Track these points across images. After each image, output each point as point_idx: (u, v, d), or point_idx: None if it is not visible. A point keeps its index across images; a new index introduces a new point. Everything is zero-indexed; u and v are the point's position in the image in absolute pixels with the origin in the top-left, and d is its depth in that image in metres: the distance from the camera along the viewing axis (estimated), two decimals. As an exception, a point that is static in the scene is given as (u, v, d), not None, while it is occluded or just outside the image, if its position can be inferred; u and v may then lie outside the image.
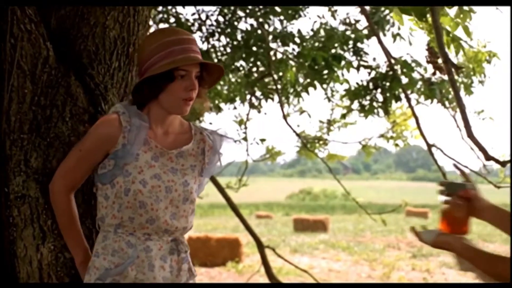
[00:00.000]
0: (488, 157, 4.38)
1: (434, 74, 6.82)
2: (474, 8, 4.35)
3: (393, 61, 6.93)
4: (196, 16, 7.66)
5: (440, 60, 4.14)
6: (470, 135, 4.25)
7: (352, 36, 7.64)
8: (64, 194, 2.52)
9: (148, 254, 2.44)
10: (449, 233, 2.29)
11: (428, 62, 6.54)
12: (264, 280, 9.36)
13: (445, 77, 6.40)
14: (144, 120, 2.47)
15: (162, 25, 7.87)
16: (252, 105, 8.96)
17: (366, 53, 7.59)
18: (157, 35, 2.52)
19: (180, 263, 2.52)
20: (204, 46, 7.56)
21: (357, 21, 7.95)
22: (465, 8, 4.28)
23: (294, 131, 8.68)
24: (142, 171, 2.44)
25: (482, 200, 2.32)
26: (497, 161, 4.48)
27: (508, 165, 4.78)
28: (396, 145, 9.70)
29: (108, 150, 2.45)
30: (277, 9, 7.43)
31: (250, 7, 7.43)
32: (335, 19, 8.03)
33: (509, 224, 2.26)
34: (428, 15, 4.09)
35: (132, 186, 2.42)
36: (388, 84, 7.14)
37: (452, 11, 4.36)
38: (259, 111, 9.10)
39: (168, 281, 2.47)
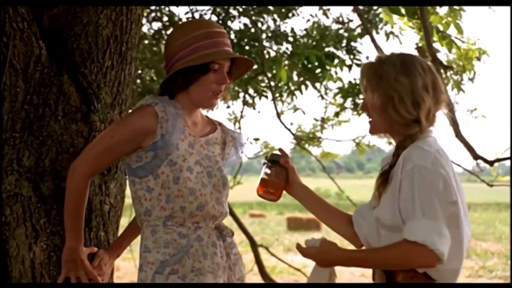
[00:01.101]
0: (476, 156, 4.40)
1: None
2: (465, 7, 4.37)
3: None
4: (189, 15, 7.65)
5: (429, 59, 4.15)
6: (458, 134, 4.27)
7: (345, 34, 7.65)
8: (85, 178, 2.49)
9: (201, 243, 2.45)
10: (262, 194, 2.52)
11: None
12: (258, 279, 9.37)
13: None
14: (178, 108, 2.48)
15: (155, 24, 7.86)
16: (246, 103, 8.96)
17: (359, 52, 7.60)
18: (189, 27, 2.54)
19: (227, 249, 2.54)
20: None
21: (350, 20, 7.96)
22: (455, 7, 4.30)
23: (288, 129, 8.68)
24: (185, 159, 2.45)
25: (297, 176, 2.57)
26: (485, 160, 4.49)
27: (501, 163, 4.79)
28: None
29: (142, 143, 2.43)
30: (270, 7, 7.43)
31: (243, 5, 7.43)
32: (327, 17, 8.04)
33: (315, 206, 2.58)
34: (418, 13, 4.10)
35: (181, 174, 2.42)
36: (381, 82, 7.15)
37: (442, 10, 4.37)
38: (254, 108, 9.10)
39: (220, 266, 2.48)
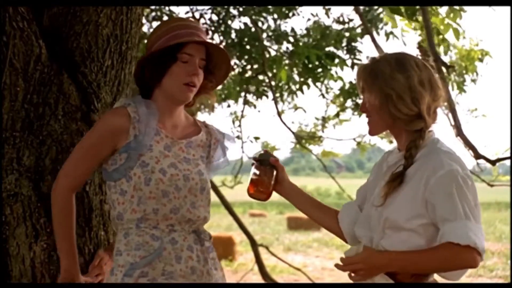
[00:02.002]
0: (478, 156, 4.40)
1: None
2: (466, 7, 4.37)
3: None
4: (189, 14, 7.64)
5: (431, 59, 4.16)
6: (460, 134, 4.27)
7: (346, 34, 7.65)
8: (66, 193, 2.41)
9: (174, 246, 2.40)
10: (253, 193, 2.51)
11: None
12: (258, 278, 9.37)
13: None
14: (151, 107, 2.45)
15: (155, 23, 7.85)
16: (246, 102, 8.95)
17: (359, 51, 7.59)
18: (164, 23, 2.55)
19: (205, 253, 2.48)
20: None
21: (350, 20, 7.95)
22: (456, 7, 4.30)
23: (289, 128, 8.68)
24: (159, 161, 2.41)
25: (286, 175, 2.58)
26: (487, 159, 4.49)
27: (502, 162, 4.79)
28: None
29: (116, 145, 2.40)
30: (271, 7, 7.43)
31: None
32: (328, 17, 8.03)
33: (304, 203, 2.58)
34: (418, 14, 4.10)
35: (152, 176, 2.38)
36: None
37: (443, 10, 4.37)
38: (255, 107, 9.09)
39: (196, 270, 2.42)
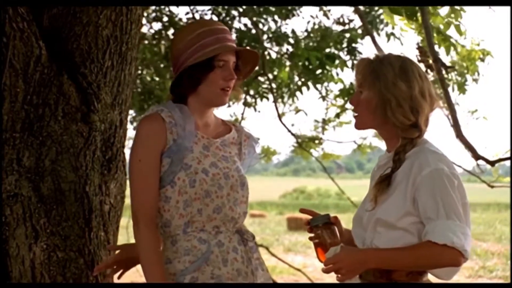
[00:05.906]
0: (477, 157, 4.40)
1: (426, 72, 6.82)
2: (465, 7, 4.37)
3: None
4: (190, 15, 7.64)
5: (430, 60, 4.16)
6: (459, 135, 4.27)
7: (346, 35, 7.64)
8: (147, 227, 2.39)
9: (221, 249, 2.42)
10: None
11: (419, 61, 6.54)
12: (258, 279, 9.36)
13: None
14: (185, 111, 2.48)
15: (155, 24, 7.86)
16: (246, 104, 8.94)
17: (360, 53, 7.59)
18: (190, 27, 2.57)
19: (248, 253, 2.50)
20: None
21: (350, 21, 7.94)
22: (456, 7, 4.30)
23: (289, 131, 8.66)
24: (200, 161, 2.44)
25: (342, 225, 2.50)
26: (486, 160, 4.49)
27: (502, 163, 4.79)
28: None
29: (161, 149, 2.42)
30: (271, 8, 7.42)
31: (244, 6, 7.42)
32: (328, 18, 8.02)
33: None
34: (418, 14, 4.10)
35: (196, 177, 2.41)
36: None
37: (443, 10, 4.37)
38: (255, 109, 9.08)
39: (241, 272, 2.45)
